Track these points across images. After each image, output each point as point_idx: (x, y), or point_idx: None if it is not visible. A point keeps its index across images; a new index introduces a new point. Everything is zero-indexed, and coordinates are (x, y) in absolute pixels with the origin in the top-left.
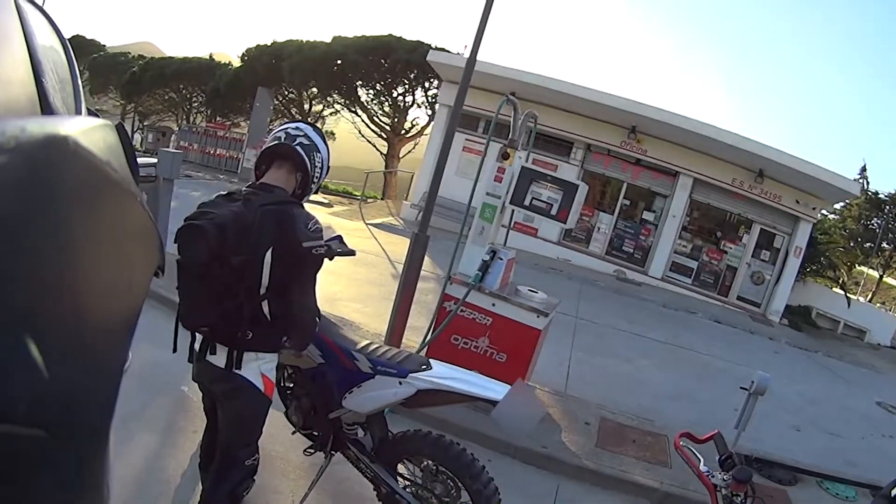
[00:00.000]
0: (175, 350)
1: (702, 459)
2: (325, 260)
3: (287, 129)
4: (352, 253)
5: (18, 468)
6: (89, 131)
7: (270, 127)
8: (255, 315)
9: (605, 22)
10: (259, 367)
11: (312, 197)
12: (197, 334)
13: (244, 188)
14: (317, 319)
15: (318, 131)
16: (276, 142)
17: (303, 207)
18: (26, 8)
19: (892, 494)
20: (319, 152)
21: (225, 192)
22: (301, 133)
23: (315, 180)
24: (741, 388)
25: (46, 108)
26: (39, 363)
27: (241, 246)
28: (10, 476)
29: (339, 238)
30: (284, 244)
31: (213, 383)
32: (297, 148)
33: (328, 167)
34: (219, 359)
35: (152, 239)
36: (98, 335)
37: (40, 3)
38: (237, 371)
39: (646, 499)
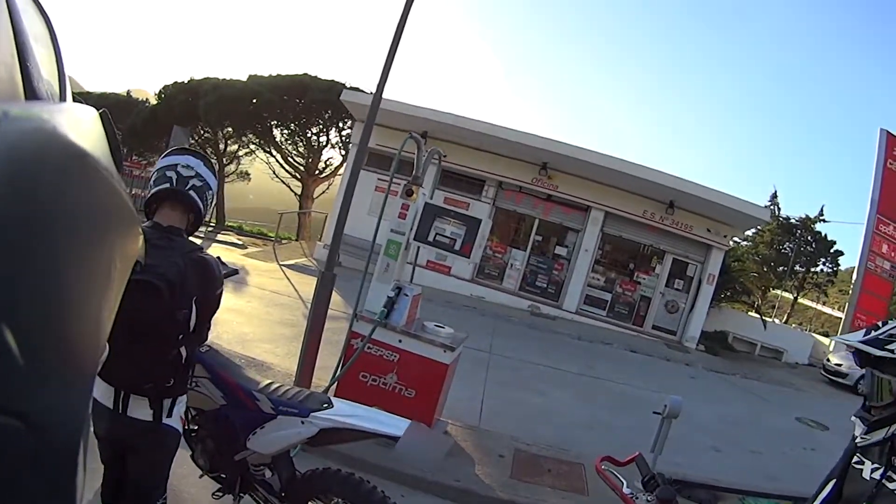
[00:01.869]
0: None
1: (624, 482)
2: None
3: (177, 167)
4: (235, 272)
5: None
6: (74, 118)
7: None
8: (178, 362)
9: (516, 59)
10: (179, 412)
11: (227, 238)
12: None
13: (149, 228)
14: None
15: (208, 164)
16: (168, 185)
17: (203, 249)
18: None
19: None
20: (211, 189)
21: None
22: (193, 173)
23: (205, 213)
24: (654, 412)
25: (30, 93)
26: (14, 350)
27: (182, 300)
28: None
29: (219, 259)
30: (205, 294)
31: (134, 437)
32: (191, 193)
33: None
34: (140, 412)
35: (134, 230)
36: (75, 325)
37: None
38: (165, 421)
39: None
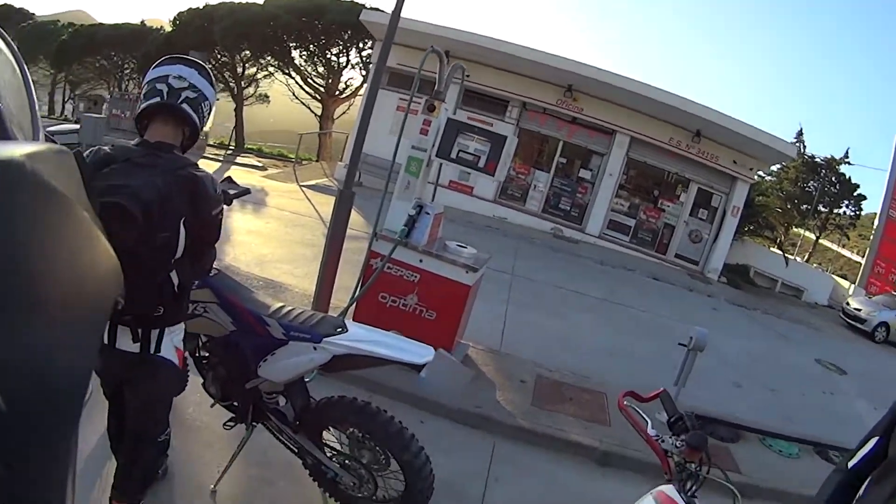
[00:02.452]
0: None
1: (649, 422)
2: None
3: (168, 78)
4: (246, 191)
5: None
6: (46, 157)
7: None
8: (168, 289)
9: None
10: (172, 342)
11: (247, 161)
12: None
13: (135, 146)
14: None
15: (203, 72)
16: (158, 99)
17: (198, 166)
18: None
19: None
20: (207, 99)
21: (120, 152)
22: (185, 84)
23: (202, 130)
24: (680, 344)
25: (3, 133)
26: None
27: (164, 222)
28: None
29: (229, 179)
30: (197, 214)
31: (125, 370)
32: (184, 107)
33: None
34: (127, 343)
35: (111, 266)
36: (58, 365)
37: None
38: (154, 352)
39: (585, 457)
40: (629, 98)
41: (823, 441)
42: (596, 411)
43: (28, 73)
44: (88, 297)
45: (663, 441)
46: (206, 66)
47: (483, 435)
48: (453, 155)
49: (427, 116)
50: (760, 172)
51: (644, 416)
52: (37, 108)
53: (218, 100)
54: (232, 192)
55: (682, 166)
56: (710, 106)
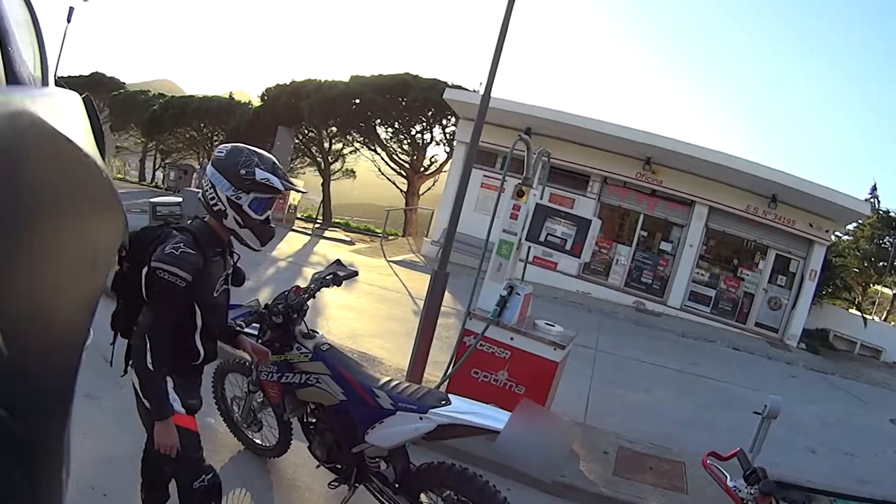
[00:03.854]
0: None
1: (728, 476)
2: (342, 292)
3: None
4: (354, 273)
5: None
6: (56, 103)
7: (291, 166)
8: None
9: (616, 56)
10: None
11: (334, 234)
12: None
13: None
14: (149, 356)
15: (218, 155)
16: None
17: (191, 235)
18: None
19: None
20: (205, 174)
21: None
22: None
23: (214, 203)
24: (755, 412)
25: (11, 78)
26: None
27: (132, 256)
28: None
29: (338, 261)
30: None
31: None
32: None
33: (230, 185)
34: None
35: (117, 214)
36: (59, 311)
37: None
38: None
39: None
40: (706, 168)
41: (891, 501)
42: (675, 480)
43: (39, 20)
44: (92, 241)
45: (740, 491)
46: (226, 156)
47: (565, 503)
48: (542, 238)
49: (516, 202)
50: (837, 233)
51: (724, 471)
52: (47, 51)
53: (302, 174)
54: (342, 273)
55: (759, 233)
56: (783, 170)
